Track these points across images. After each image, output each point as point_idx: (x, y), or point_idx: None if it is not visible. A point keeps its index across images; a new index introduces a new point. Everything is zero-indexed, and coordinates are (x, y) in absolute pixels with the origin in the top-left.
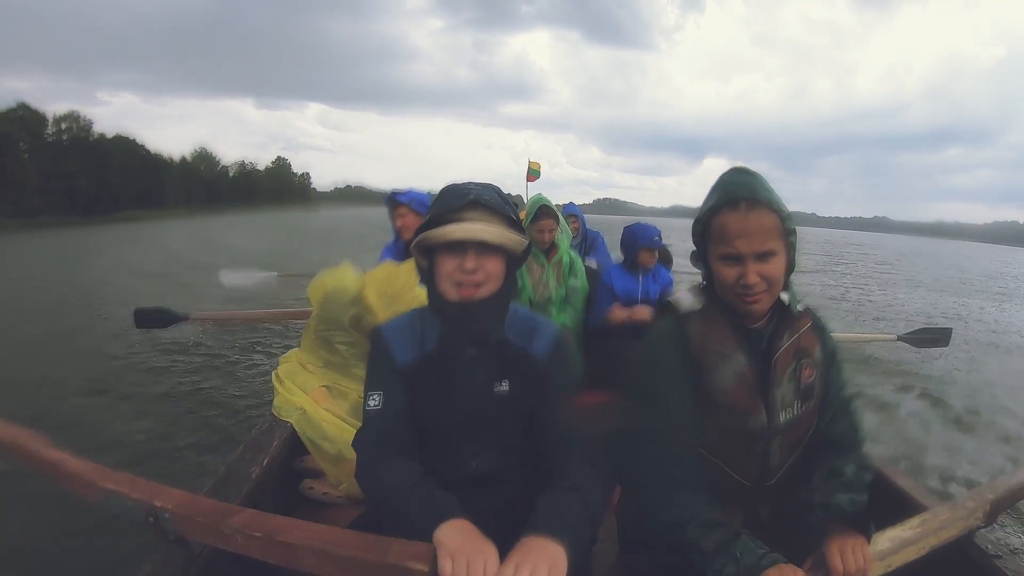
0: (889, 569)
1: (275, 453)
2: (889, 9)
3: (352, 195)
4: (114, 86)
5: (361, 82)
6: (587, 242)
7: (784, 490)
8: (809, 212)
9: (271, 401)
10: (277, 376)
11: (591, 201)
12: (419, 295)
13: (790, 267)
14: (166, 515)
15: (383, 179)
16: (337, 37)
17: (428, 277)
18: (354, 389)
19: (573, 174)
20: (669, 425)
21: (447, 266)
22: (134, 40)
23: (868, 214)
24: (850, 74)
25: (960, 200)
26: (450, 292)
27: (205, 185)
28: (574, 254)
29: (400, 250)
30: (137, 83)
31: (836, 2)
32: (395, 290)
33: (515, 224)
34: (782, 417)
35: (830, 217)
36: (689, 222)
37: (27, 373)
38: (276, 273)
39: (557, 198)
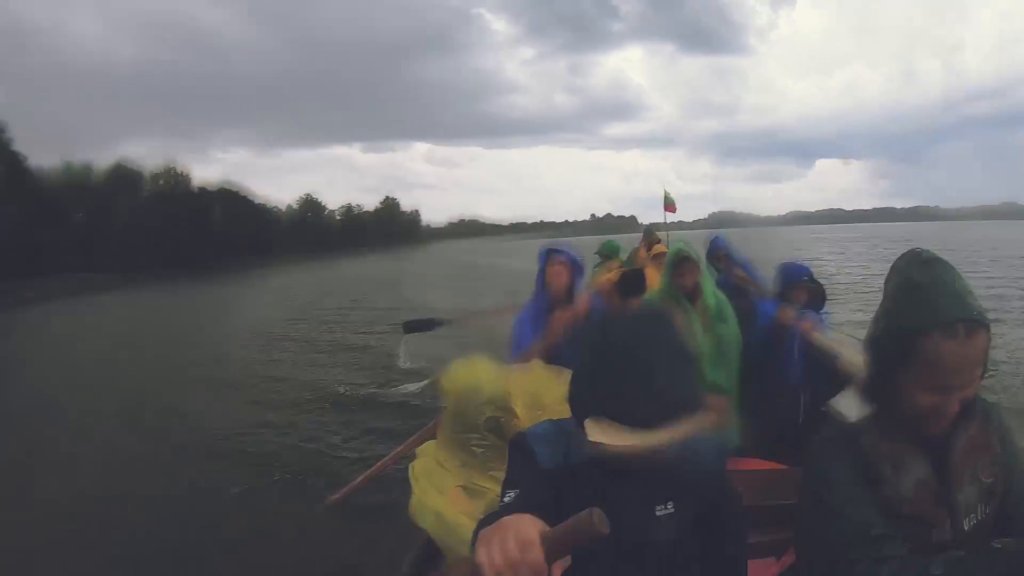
0: None
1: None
2: None
3: (467, 228)
4: (227, 143)
5: (462, 117)
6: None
7: None
8: (932, 205)
9: None
10: (413, 472)
11: (706, 216)
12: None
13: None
14: None
15: (495, 210)
16: (432, 76)
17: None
18: (491, 488)
19: (684, 190)
20: (856, 539)
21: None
22: (243, 101)
23: (993, 201)
24: (957, 52)
25: None
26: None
27: (313, 232)
28: (721, 296)
29: (543, 305)
30: (248, 139)
31: None
32: (546, 402)
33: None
34: (966, 524)
35: (953, 209)
36: (811, 228)
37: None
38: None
39: (672, 216)
